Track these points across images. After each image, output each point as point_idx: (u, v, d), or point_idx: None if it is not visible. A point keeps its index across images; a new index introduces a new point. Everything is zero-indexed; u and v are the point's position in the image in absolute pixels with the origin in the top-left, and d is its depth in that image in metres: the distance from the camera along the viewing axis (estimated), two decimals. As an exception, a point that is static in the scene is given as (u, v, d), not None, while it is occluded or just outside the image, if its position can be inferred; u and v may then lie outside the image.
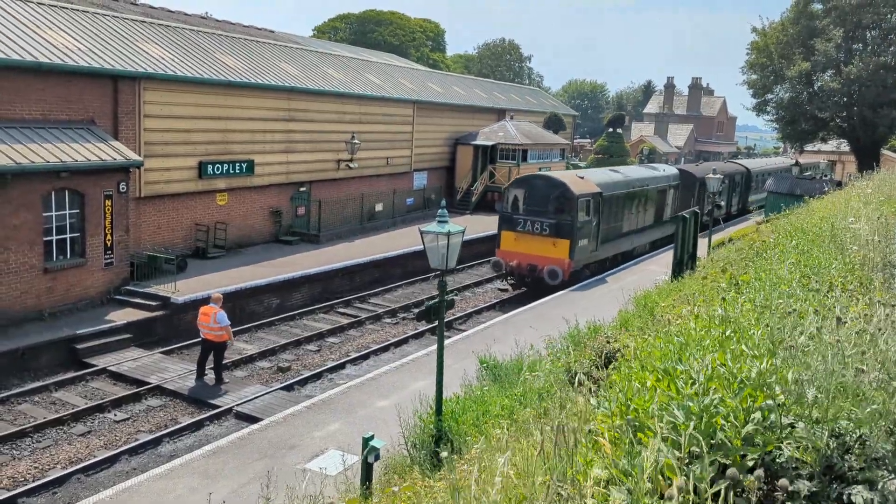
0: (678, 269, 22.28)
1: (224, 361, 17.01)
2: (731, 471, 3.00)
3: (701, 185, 37.40)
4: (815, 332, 4.45)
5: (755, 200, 48.05)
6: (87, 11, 24.39)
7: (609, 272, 27.58)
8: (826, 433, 3.33)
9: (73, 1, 26.49)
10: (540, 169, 39.56)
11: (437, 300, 10.61)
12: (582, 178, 26.86)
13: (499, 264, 26.06)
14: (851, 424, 3.33)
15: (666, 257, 28.10)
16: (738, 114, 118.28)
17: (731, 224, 38.67)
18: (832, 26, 38.07)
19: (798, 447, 3.34)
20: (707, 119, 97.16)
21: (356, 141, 32.90)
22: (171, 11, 33.56)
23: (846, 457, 3.25)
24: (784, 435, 3.45)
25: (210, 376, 16.73)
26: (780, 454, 3.34)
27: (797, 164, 49.97)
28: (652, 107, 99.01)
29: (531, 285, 25.74)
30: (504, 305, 25.40)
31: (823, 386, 3.69)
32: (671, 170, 36.47)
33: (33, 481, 12.44)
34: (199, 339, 17.30)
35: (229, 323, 16.54)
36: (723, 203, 39.43)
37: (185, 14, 34.47)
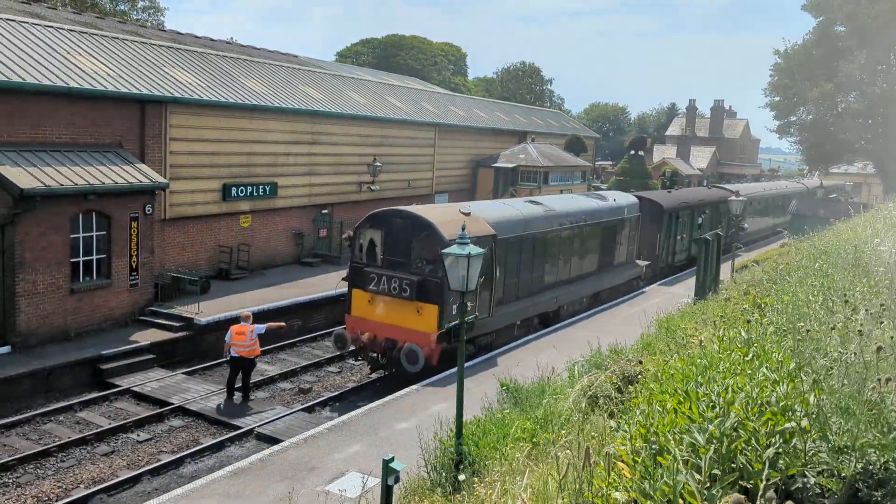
0: (701, 292, 22.19)
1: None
2: (735, 496, 2.98)
3: (671, 217, 31.49)
4: (838, 355, 4.41)
5: (748, 234, 40.26)
6: (117, 38, 24.93)
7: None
8: (854, 460, 3.28)
9: (103, 28, 27.12)
10: (561, 191, 39.16)
11: (457, 321, 10.62)
12: (467, 213, 18.61)
13: (342, 338, 18.53)
14: (876, 452, 3.28)
15: (689, 282, 27.86)
16: (761, 136, 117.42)
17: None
18: (855, 48, 37.87)
19: (822, 473, 3.30)
20: (729, 141, 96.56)
21: (378, 164, 33.14)
22: (197, 37, 34.21)
23: (874, 492, 3.20)
24: (807, 460, 3.41)
25: (237, 396, 16.85)
26: (806, 480, 3.30)
27: (821, 185, 49.16)
28: (674, 129, 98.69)
29: (394, 365, 17.91)
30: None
31: (851, 412, 3.64)
32: (628, 199, 28.79)
33: (57, 501, 12.54)
34: (224, 359, 17.43)
35: (265, 328, 16.88)
36: (744, 226, 36.05)
37: (211, 40, 35.09)
